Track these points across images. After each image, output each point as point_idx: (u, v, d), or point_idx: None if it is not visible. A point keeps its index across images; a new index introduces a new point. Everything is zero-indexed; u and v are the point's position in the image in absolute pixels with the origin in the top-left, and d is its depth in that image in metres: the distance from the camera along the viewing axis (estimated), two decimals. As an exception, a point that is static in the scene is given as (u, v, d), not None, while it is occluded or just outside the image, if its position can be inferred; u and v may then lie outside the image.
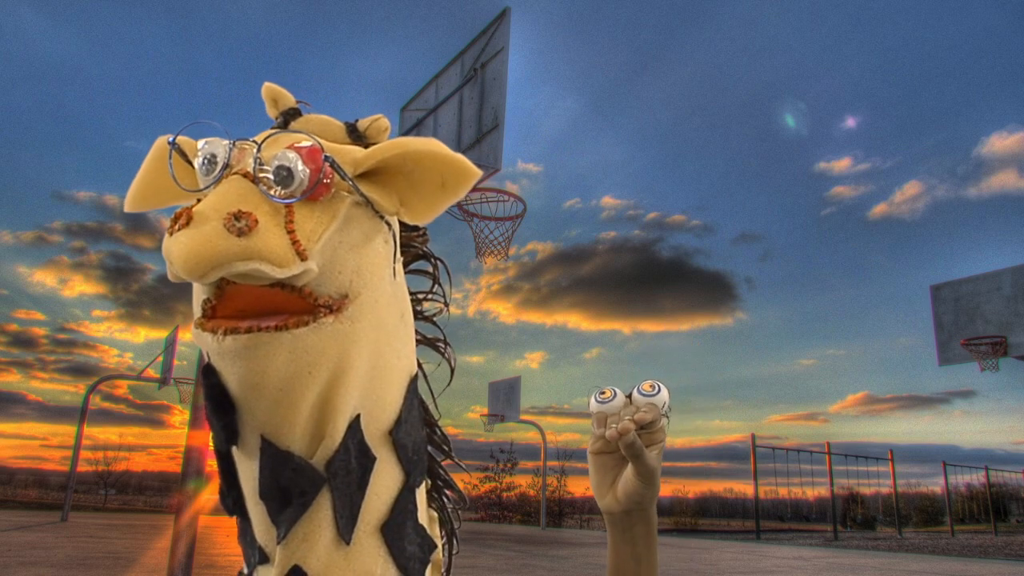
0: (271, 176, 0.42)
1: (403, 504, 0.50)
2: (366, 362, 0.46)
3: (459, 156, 0.48)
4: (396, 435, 0.50)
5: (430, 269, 0.64)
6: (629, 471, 0.68)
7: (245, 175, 0.43)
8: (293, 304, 0.43)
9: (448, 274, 0.60)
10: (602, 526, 28.17)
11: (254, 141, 0.44)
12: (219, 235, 0.39)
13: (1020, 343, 11.72)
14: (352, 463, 0.46)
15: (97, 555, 7.87)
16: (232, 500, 0.47)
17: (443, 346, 0.61)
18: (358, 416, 0.47)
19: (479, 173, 0.50)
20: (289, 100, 0.53)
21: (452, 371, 0.57)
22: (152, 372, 17.20)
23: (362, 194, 0.46)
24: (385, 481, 0.49)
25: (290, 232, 0.41)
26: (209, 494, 4.60)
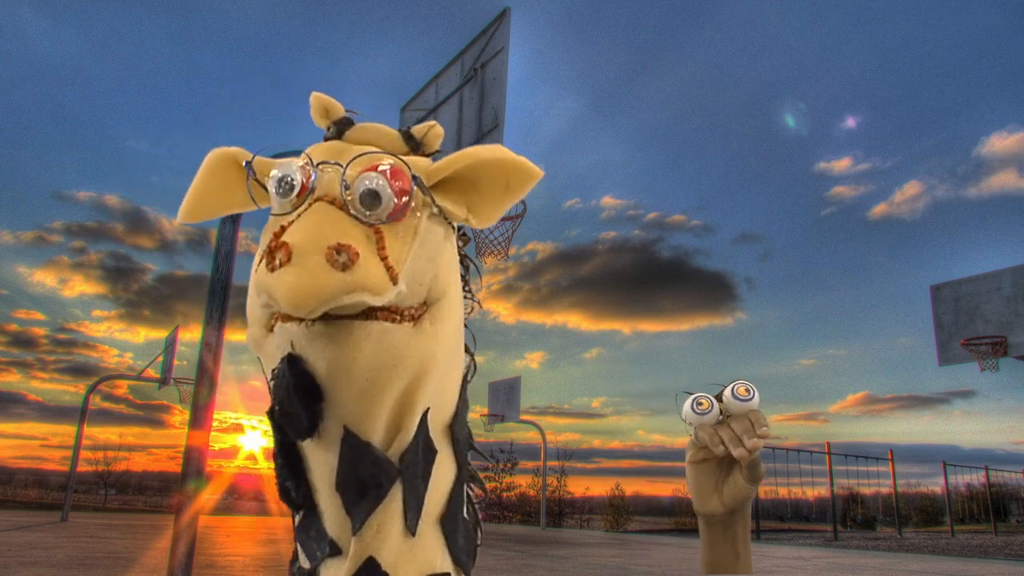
0: (359, 201, 0.41)
1: (457, 497, 0.51)
2: (444, 361, 0.47)
3: (522, 158, 0.48)
4: (453, 429, 0.51)
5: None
6: (738, 476, 0.73)
7: (332, 201, 0.42)
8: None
9: (479, 274, 0.61)
10: (602, 527, 28.18)
11: (338, 164, 0.44)
12: (324, 271, 0.38)
13: (1020, 343, 11.71)
14: (419, 456, 0.47)
15: (97, 555, 7.87)
16: (302, 494, 0.47)
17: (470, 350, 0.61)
18: (427, 410, 0.47)
19: (542, 173, 0.50)
20: (340, 110, 0.53)
21: (474, 371, 0.58)
22: (152, 372, 17.20)
23: (438, 206, 0.47)
24: (444, 474, 0.50)
25: (383, 259, 0.41)
26: (209, 494, 4.60)
